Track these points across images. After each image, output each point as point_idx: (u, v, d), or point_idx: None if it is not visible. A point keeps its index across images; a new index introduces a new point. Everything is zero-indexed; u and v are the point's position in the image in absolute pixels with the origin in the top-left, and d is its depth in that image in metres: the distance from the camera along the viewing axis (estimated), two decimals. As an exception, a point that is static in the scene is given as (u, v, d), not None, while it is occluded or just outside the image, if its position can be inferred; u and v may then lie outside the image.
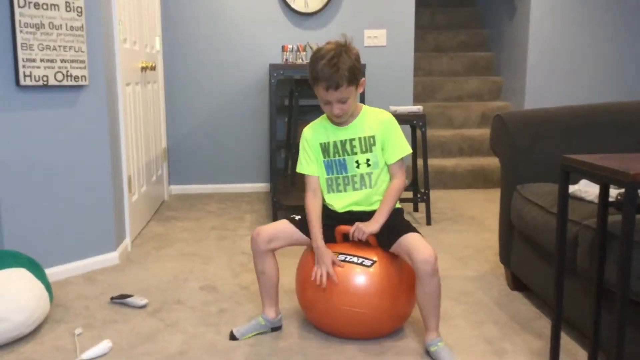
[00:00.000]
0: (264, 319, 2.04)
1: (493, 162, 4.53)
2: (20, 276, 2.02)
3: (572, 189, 2.02)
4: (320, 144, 2.01)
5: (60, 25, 2.40)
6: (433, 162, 4.52)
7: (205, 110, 4.41)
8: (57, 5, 2.38)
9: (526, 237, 2.23)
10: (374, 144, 1.96)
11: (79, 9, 2.46)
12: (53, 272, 2.52)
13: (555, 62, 4.78)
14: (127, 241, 3.00)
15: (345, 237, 1.98)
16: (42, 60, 2.36)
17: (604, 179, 1.38)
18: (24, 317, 1.94)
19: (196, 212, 3.85)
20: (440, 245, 3.07)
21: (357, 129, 1.97)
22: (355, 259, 1.91)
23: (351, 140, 1.97)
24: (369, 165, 1.97)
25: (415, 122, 3.52)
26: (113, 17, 2.83)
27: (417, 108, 3.61)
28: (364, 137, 1.96)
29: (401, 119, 3.53)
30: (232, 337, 2.01)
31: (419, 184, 3.85)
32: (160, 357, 1.88)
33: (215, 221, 3.60)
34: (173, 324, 2.14)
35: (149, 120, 3.67)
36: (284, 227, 2.02)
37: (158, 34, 4.06)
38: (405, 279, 1.92)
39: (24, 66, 2.30)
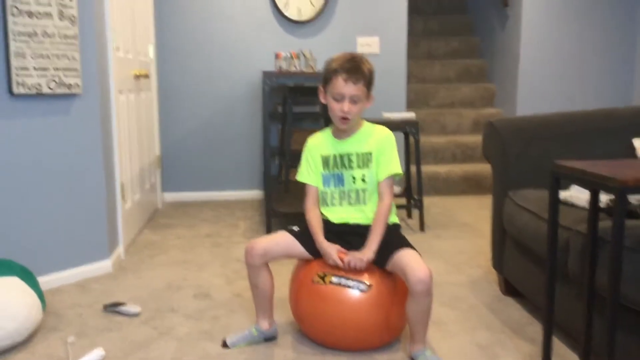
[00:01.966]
0: (257, 329, 2.03)
1: (486, 168, 4.55)
2: (12, 284, 2.01)
3: (563, 194, 2.03)
4: (322, 156, 2.03)
5: (54, 33, 2.40)
6: (426, 168, 4.53)
7: (199, 117, 4.41)
8: (51, 14, 2.38)
9: (518, 243, 2.24)
10: (371, 161, 1.97)
11: (72, 18, 2.46)
12: (46, 281, 2.51)
13: (546, 69, 4.82)
14: (121, 249, 2.99)
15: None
16: (35, 69, 2.36)
17: (594, 185, 1.40)
18: (17, 325, 1.93)
19: (190, 219, 3.85)
20: (434, 251, 3.08)
21: (356, 143, 1.99)
22: (350, 283, 1.88)
23: (349, 155, 1.99)
24: (364, 181, 1.98)
25: (408, 128, 3.53)
26: (106, 26, 2.83)
27: (410, 115, 3.63)
28: (362, 153, 1.98)
29: (394, 125, 3.54)
30: (225, 345, 2.00)
31: (412, 190, 3.86)
32: (154, 365, 1.88)
33: (209, 229, 3.60)
34: (166, 331, 2.13)
35: (142, 128, 3.67)
36: (279, 239, 2.00)
37: (151, 42, 4.06)
38: (398, 296, 1.89)
39: (17, 74, 2.30)
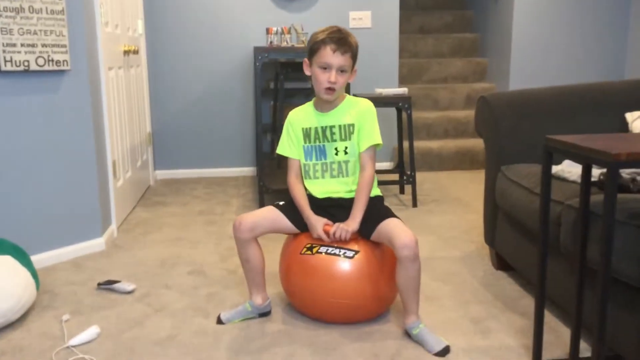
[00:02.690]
0: (251, 305, 2.05)
1: (478, 143, 4.55)
2: (5, 263, 2.00)
3: (555, 169, 2.04)
4: (303, 128, 2.03)
5: (41, 9, 2.36)
6: (419, 144, 4.53)
7: (190, 94, 4.38)
8: (37, -11, 2.34)
9: (510, 218, 2.26)
10: (352, 132, 1.97)
11: (59, -8, 2.42)
12: (39, 259, 2.50)
13: (539, 43, 4.80)
14: (113, 227, 2.99)
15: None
16: (22, 45, 2.32)
17: (586, 159, 1.40)
18: (11, 304, 1.93)
19: (182, 196, 3.84)
20: (426, 226, 3.10)
21: (338, 116, 1.99)
22: (337, 251, 1.91)
23: (331, 127, 1.99)
24: (346, 153, 1.98)
25: (400, 104, 3.52)
26: (94, 0, 2.78)
27: (403, 90, 3.61)
28: (344, 125, 1.98)
29: (387, 101, 3.53)
30: (219, 321, 2.02)
31: (404, 166, 3.86)
32: (149, 342, 1.89)
33: (202, 206, 3.60)
34: (161, 308, 2.14)
35: (133, 104, 3.64)
36: (266, 213, 2.02)
37: (140, 17, 4.01)
38: (387, 266, 1.93)
39: (4, 51, 2.27)
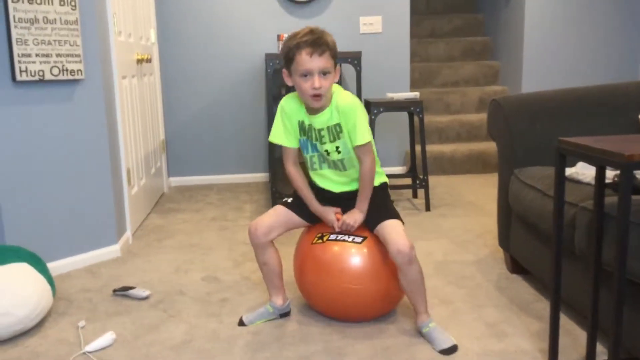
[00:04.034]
0: (272, 306, 2.07)
1: (491, 146, 4.53)
2: (22, 271, 2.03)
3: (569, 171, 2.03)
4: (299, 121, 1.96)
5: (55, 19, 2.39)
6: (431, 148, 4.52)
7: (202, 101, 4.41)
8: (51, 0, 2.37)
9: (524, 221, 2.24)
10: (341, 131, 1.89)
11: (73, 3, 2.45)
12: (55, 266, 2.53)
13: (551, 45, 4.77)
14: (128, 234, 3.01)
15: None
16: (37, 55, 2.35)
17: (600, 161, 1.39)
18: (28, 311, 1.95)
19: (196, 203, 3.86)
20: (440, 230, 3.09)
21: (325, 118, 1.89)
22: (346, 237, 1.96)
23: (320, 130, 1.91)
24: (339, 152, 1.93)
25: (412, 108, 3.52)
26: (107, 10, 2.82)
27: (414, 94, 3.61)
28: (331, 126, 1.90)
29: (398, 105, 3.53)
30: (241, 323, 2.04)
31: (417, 170, 3.85)
32: (164, 347, 1.90)
33: (215, 212, 3.61)
34: (176, 314, 2.15)
35: (146, 112, 3.67)
36: (279, 214, 2.02)
37: (153, 26, 4.04)
38: (395, 266, 1.94)
39: (19, 61, 2.30)
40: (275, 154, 3.52)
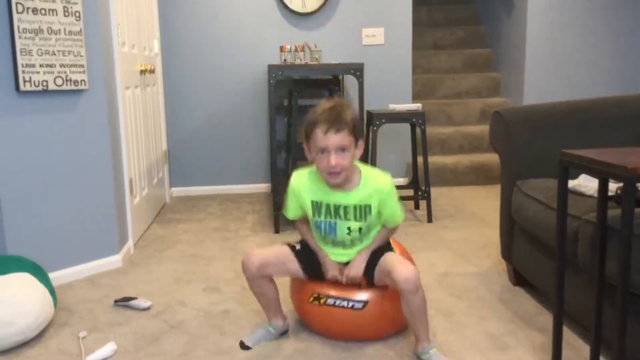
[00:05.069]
0: (273, 327, 2.01)
1: (493, 158, 4.53)
2: (24, 281, 2.03)
3: (572, 183, 2.03)
4: (312, 201, 1.87)
5: (59, 30, 2.41)
6: (433, 159, 4.52)
7: (205, 112, 4.42)
8: (55, 10, 2.39)
9: (527, 233, 2.24)
10: (370, 213, 1.84)
11: (77, 14, 2.47)
12: (57, 276, 2.53)
13: (553, 57, 4.79)
14: (130, 244, 3.01)
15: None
16: (41, 65, 2.37)
17: (602, 174, 1.39)
18: (29, 321, 1.95)
19: (198, 213, 3.86)
20: (442, 242, 3.08)
21: (354, 195, 1.83)
22: (344, 303, 1.89)
23: (345, 207, 1.83)
24: (360, 232, 1.88)
25: (414, 119, 3.52)
26: (111, 21, 2.84)
27: (416, 106, 3.62)
28: (361, 206, 1.83)
29: (400, 117, 3.54)
30: (244, 346, 1.95)
31: (419, 181, 3.85)
32: (165, 359, 1.89)
33: (217, 222, 3.61)
34: (177, 325, 2.14)
35: (149, 123, 3.68)
36: (278, 254, 1.94)
37: (156, 37, 4.07)
38: (398, 310, 1.88)
39: (23, 71, 2.31)
40: (277, 165, 3.52)
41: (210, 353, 1.92)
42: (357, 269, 1.88)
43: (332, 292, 1.91)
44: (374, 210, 1.83)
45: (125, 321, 2.19)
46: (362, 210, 1.83)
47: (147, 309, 2.29)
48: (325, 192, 1.85)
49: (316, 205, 1.87)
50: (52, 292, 2.14)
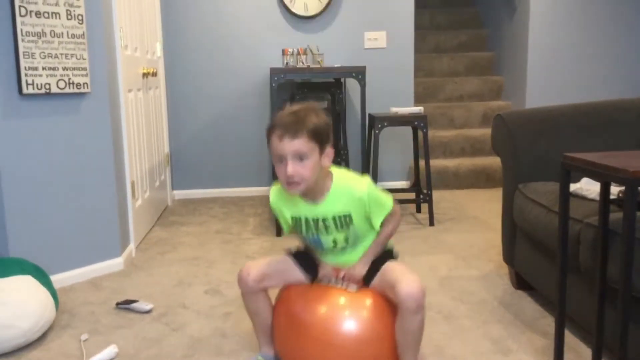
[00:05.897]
0: (264, 356, 1.83)
1: (495, 161, 4.53)
2: (26, 283, 2.03)
3: (574, 187, 2.02)
4: (292, 217, 1.73)
5: (62, 33, 2.42)
6: (435, 162, 4.52)
7: (207, 115, 4.42)
8: (58, 14, 2.40)
9: (529, 236, 2.24)
10: (351, 222, 1.67)
11: (80, 17, 2.48)
12: (58, 279, 2.53)
13: (555, 60, 4.79)
14: (132, 246, 3.01)
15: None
16: (44, 69, 2.37)
17: (604, 177, 1.39)
18: (31, 323, 1.95)
19: (200, 216, 3.87)
20: (444, 245, 3.08)
21: (329, 206, 1.65)
22: (338, 284, 1.71)
23: (324, 219, 1.67)
24: (347, 241, 1.71)
25: (416, 123, 3.53)
26: (114, 24, 2.84)
27: (418, 109, 3.62)
28: (339, 216, 1.66)
29: (402, 120, 3.54)
30: None
31: (421, 184, 3.85)
32: (167, 362, 1.89)
33: (219, 225, 3.61)
34: (178, 328, 2.14)
35: (151, 126, 3.69)
36: (277, 264, 1.78)
37: (159, 40, 4.07)
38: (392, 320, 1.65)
39: (26, 74, 2.32)
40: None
41: (212, 356, 1.92)
42: (358, 277, 1.72)
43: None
44: (355, 219, 1.67)
45: (126, 324, 2.19)
46: (342, 221, 1.67)
47: (149, 311, 2.29)
48: (298, 205, 1.70)
49: (296, 221, 1.72)
50: (53, 294, 2.14)
